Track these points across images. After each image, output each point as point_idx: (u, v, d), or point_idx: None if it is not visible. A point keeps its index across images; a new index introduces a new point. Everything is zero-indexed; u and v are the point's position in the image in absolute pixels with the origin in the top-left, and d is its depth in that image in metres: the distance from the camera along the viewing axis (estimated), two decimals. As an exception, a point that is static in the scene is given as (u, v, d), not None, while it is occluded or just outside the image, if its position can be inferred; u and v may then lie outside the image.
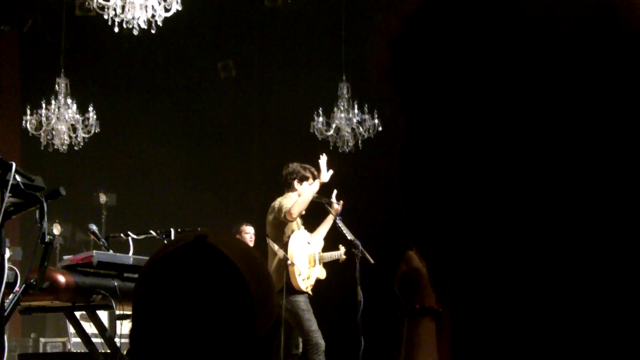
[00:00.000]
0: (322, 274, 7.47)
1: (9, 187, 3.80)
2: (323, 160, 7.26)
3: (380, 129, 9.86)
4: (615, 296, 0.49)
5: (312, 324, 6.89)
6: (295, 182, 7.14)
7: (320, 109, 10.05)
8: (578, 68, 0.50)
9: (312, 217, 7.36)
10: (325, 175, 7.20)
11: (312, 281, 7.21)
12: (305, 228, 7.30)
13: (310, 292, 7.13)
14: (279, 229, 7.02)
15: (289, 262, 6.80)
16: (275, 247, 6.90)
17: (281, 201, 7.07)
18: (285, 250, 6.89)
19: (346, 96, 10.06)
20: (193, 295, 1.34)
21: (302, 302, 6.91)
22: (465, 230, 0.52)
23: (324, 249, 7.58)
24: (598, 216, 0.49)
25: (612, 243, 0.49)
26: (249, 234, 8.45)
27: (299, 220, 7.13)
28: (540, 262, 0.49)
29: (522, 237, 0.50)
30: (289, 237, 7.02)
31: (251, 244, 7.99)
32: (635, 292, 0.50)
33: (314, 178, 7.16)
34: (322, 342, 6.88)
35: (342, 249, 7.61)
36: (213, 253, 1.37)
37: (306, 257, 7.18)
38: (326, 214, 7.36)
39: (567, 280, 0.49)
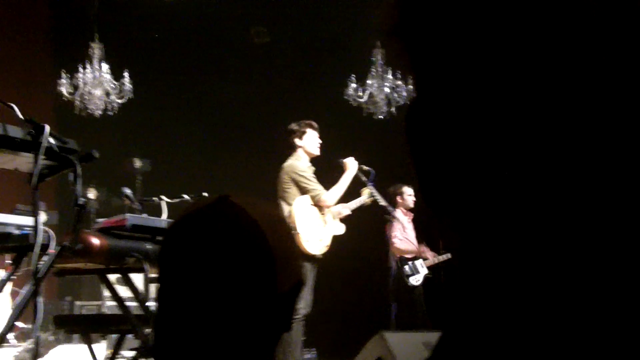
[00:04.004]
0: (339, 229, 7.33)
1: (42, 150, 3.84)
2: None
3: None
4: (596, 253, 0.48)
5: (305, 293, 6.76)
6: (296, 140, 7.19)
7: (354, 75, 10.01)
8: (585, 27, 0.48)
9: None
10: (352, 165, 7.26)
11: (327, 241, 7.10)
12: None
13: (321, 256, 7.01)
14: (288, 191, 7.03)
15: (293, 230, 6.72)
16: (285, 210, 6.90)
17: (295, 165, 7.10)
18: (290, 217, 6.86)
19: (380, 62, 10.01)
20: (216, 253, 1.35)
21: (307, 268, 6.77)
22: (473, 185, 0.52)
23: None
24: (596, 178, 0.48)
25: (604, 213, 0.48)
26: (411, 195, 8.42)
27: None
28: (545, 219, 0.49)
29: (526, 193, 0.49)
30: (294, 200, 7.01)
31: (412, 205, 8.07)
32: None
33: (311, 127, 7.20)
34: (302, 310, 6.79)
35: (365, 192, 7.53)
36: (235, 212, 1.38)
37: (316, 219, 7.10)
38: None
39: (570, 246, 0.48)
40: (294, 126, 7.23)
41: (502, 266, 0.52)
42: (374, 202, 7.42)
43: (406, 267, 7.84)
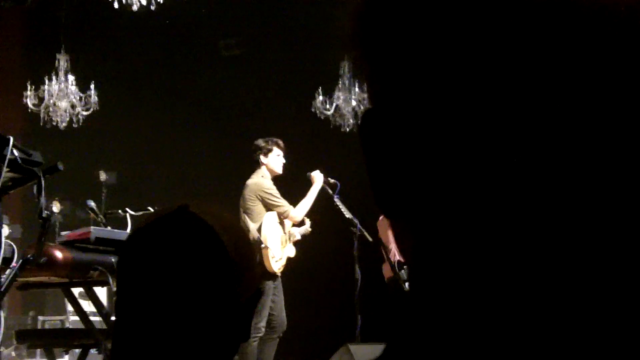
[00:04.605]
0: (292, 252, 7.37)
1: (6, 162, 3.81)
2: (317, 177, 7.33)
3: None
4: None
5: (265, 310, 6.78)
6: (261, 157, 7.16)
7: (321, 88, 10.04)
8: (540, 38, 0.49)
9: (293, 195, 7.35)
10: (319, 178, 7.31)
11: (283, 261, 7.14)
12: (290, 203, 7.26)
13: (279, 274, 7.04)
14: (252, 208, 7.02)
15: (263, 245, 6.78)
16: (250, 226, 6.89)
17: (260, 183, 7.08)
18: (260, 232, 6.88)
19: (347, 75, 10.05)
20: (175, 262, 1.36)
21: (268, 286, 6.81)
22: (427, 190, 0.52)
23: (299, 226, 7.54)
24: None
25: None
26: None
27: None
28: (495, 220, 0.49)
29: (481, 200, 0.50)
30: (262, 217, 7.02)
31: None
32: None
33: (277, 146, 7.18)
34: (263, 328, 6.79)
35: (308, 222, 7.57)
36: (195, 221, 1.38)
37: (279, 238, 7.14)
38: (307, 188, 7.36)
39: (527, 246, 0.49)
40: (260, 143, 7.21)
41: (454, 274, 0.52)
42: (340, 215, 7.44)
43: (402, 272, 7.83)
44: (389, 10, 0.53)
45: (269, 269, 6.80)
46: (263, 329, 6.73)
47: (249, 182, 7.11)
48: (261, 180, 7.09)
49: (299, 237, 7.44)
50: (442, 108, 0.50)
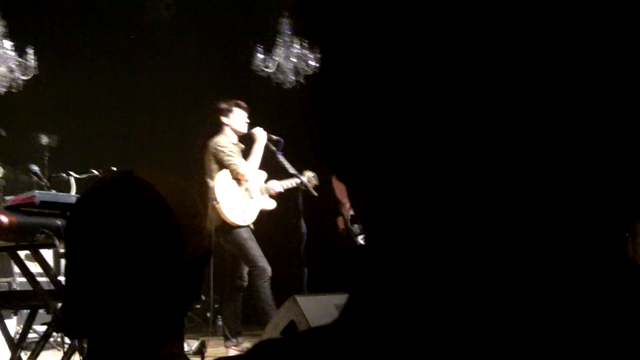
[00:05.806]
0: (268, 204, 7.52)
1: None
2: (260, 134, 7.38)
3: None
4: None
5: (257, 250, 7.10)
6: (223, 118, 7.31)
7: (260, 46, 9.99)
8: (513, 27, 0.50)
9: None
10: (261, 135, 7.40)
11: (253, 214, 7.30)
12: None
13: (251, 226, 7.25)
14: (211, 167, 7.17)
15: (214, 201, 6.99)
16: (210, 184, 7.04)
17: (217, 141, 7.23)
18: (212, 189, 7.07)
19: (287, 32, 10.00)
20: (121, 226, 1.38)
21: (243, 232, 7.10)
22: (378, 156, 0.54)
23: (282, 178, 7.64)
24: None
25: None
26: None
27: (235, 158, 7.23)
28: (444, 184, 0.52)
29: (427, 165, 0.52)
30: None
31: None
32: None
33: (238, 106, 7.31)
34: (268, 268, 7.08)
35: (308, 173, 7.68)
36: (140, 185, 1.42)
37: (237, 192, 7.24)
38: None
39: (477, 217, 0.51)
40: (221, 104, 7.36)
41: (406, 237, 0.56)
42: (284, 171, 7.51)
43: (355, 226, 7.90)
44: None
45: (227, 221, 7.01)
46: (268, 268, 7.07)
47: (208, 142, 7.24)
48: (217, 138, 7.24)
49: (279, 189, 7.57)
50: (387, 75, 0.52)
